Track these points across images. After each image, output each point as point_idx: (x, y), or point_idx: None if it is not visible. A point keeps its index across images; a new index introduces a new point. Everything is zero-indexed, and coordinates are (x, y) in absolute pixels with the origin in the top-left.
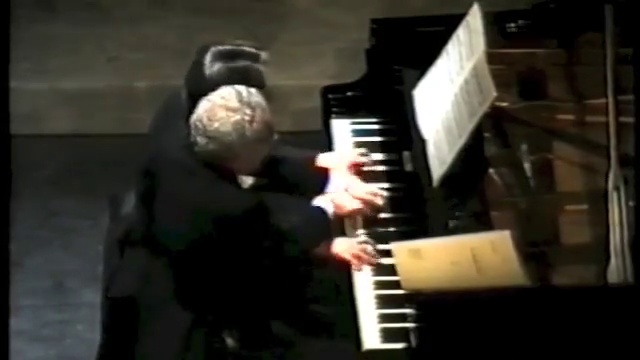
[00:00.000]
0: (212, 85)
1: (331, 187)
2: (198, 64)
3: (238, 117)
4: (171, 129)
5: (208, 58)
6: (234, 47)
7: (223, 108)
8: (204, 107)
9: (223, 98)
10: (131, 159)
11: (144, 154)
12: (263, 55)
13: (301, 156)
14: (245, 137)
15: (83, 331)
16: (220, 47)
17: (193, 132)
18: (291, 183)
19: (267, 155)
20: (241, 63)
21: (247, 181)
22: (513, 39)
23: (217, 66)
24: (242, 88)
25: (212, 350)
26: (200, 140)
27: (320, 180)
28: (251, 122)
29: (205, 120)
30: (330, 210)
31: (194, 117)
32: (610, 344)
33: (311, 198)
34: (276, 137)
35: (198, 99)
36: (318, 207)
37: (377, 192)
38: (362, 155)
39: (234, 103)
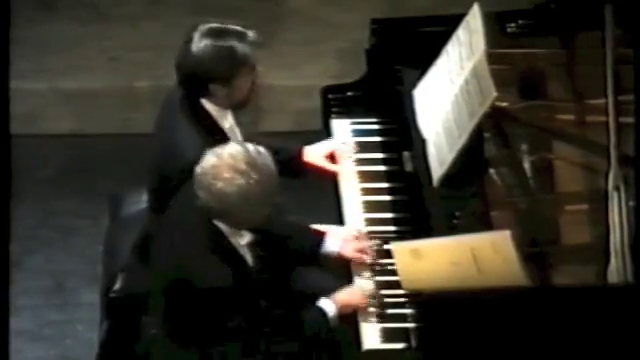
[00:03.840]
0: (198, 62)
1: (326, 247)
2: (186, 42)
3: (243, 181)
4: (175, 122)
5: (196, 35)
6: (221, 25)
7: (230, 168)
8: (211, 162)
9: (232, 157)
10: (131, 159)
11: (149, 152)
12: (250, 35)
13: (286, 146)
14: (247, 200)
15: (83, 331)
16: (207, 25)
17: (196, 185)
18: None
19: (268, 213)
20: (228, 42)
21: (245, 237)
22: (513, 39)
23: (204, 43)
24: (252, 148)
25: None
26: (202, 195)
27: (300, 169)
28: (256, 185)
29: (210, 178)
30: (332, 313)
31: (199, 169)
32: (610, 344)
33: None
34: (278, 199)
35: (186, 76)
36: (320, 308)
37: (366, 248)
38: (343, 144)
39: (241, 165)
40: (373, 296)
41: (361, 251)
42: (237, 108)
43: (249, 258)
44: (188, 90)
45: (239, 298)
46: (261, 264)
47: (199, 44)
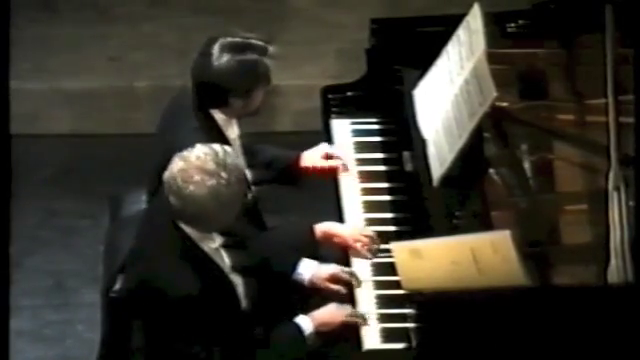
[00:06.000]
0: (220, 76)
1: (297, 273)
2: (206, 55)
3: (214, 181)
4: (180, 127)
5: (216, 49)
6: (243, 40)
7: (199, 170)
8: (179, 166)
9: (199, 159)
10: (131, 159)
11: (151, 154)
12: (271, 49)
13: (285, 155)
14: (219, 201)
15: (83, 331)
16: (229, 39)
17: (166, 190)
18: (269, 169)
19: (239, 212)
20: (250, 56)
21: (216, 240)
22: (513, 39)
23: (225, 58)
24: (218, 148)
25: None
26: (173, 200)
27: (299, 174)
28: (227, 185)
29: (180, 181)
30: (309, 330)
31: (167, 174)
32: (610, 344)
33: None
34: (250, 195)
35: (205, 89)
36: (297, 325)
37: (344, 270)
38: (336, 150)
39: (210, 165)
40: (353, 315)
41: (335, 282)
42: (247, 115)
43: (224, 262)
44: (204, 100)
45: (215, 305)
46: (239, 267)
47: (221, 58)
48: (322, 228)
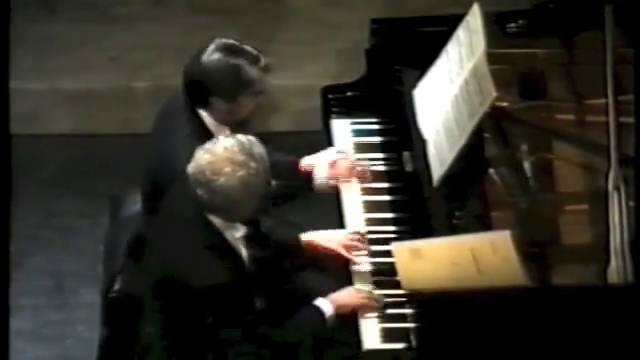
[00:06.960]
0: (205, 73)
1: (316, 178)
2: (200, 52)
3: (244, 172)
4: (173, 131)
5: (210, 47)
6: (238, 44)
7: (228, 162)
8: (205, 159)
9: (227, 150)
10: (131, 159)
11: (146, 154)
12: (263, 60)
13: (285, 159)
14: (250, 190)
15: (83, 331)
16: (224, 40)
17: (193, 184)
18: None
19: (264, 200)
20: (238, 60)
21: (240, 230)
22: (513, 39)
23: (215, 56)
24: (243, 138)
25: None
26: (202, 193)
27: (305, 180)
28: (256, 175)
29: (209, 174)
30: (329, 312)
31: (193, 167)
32: (610, 344)
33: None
34: (273, 184)
35: (191, 85)
36: (317, 307)
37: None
38: (339, 152)
39: (239, 156)
40: (370, 297)
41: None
42: (236, 125)
43: (243, 252)
44: (190, 98)
45: (235, 295)
46: (256, 258)
47: (210, 56)
48: (306, 239)
